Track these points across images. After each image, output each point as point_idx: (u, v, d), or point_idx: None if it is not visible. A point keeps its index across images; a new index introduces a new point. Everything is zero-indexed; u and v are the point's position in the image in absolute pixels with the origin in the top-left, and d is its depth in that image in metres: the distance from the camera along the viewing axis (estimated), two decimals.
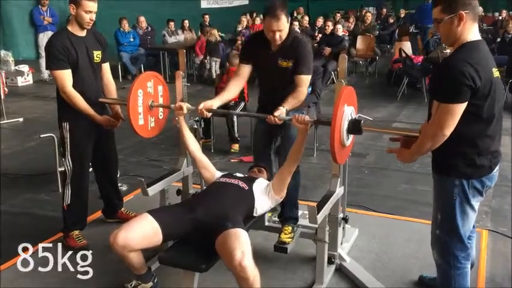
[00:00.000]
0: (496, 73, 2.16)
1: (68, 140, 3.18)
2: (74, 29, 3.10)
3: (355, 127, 2.53)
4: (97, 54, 3.21)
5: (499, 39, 9.35)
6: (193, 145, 3.01)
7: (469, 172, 2.22)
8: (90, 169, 3.48)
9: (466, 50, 2.12)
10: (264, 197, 2.79)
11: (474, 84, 2.04)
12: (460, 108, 2.07)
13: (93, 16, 3.07)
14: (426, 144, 2.19)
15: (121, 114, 3.33)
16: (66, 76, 3.05)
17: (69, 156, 3.21)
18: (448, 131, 2.10)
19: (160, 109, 3.14)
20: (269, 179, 3.04)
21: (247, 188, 2.77)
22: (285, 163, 2.78)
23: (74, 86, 3.08)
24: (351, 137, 2.64)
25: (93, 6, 3.05)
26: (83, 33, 3.13)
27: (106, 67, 3.37)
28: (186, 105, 2.98)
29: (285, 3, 2.83)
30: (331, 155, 2.49)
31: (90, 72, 3.18)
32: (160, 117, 3.17)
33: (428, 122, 2.24)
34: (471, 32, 2.14)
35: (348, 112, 2.51)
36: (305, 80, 2.89)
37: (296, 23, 9.98)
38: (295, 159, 2.75)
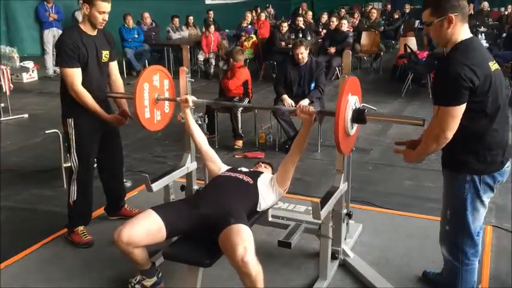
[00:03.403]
0: (493, 66, 2.17)
1: (74, 136, 3.19)
2: (85, 27, 3.10)
3: (359, 116, 2.55)
4: (105, 54, 3.21)
5: (504, 34, 9.29)
6: (200, 137, 3.02)
7: (480, 168, 2.23)
8: (94, 165, 3.49)
9: (460, 50, 2.14)
10: (269, 190, 2.79)
11: (472, 84, 2.05)
12: (460, 109, 2.09)
13: (106, 16, 3.07)
14: (431, 146, 2.22)
15: (128, 112, 3.33)
16: (76, 74, 3.05)
17: (74, 153, 3.22)
18: (450, 133, 2.12)
19: (166, 103, 3.15)
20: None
21: (252, 182, 2.78)
22: (288, 154, 2.79)
23: (81, 84, 3.09)
24: (355, 126, 2.65)
25: (107, 7, 3.05)
26: (94, 33, 3.13)
27: (114, 65, 3.37)
28: (191, 98, 2.99)
29: None
30: (335, 145, 2.48)
31: (97, 71, 3.18)
32: (167, 111, 3.18)
33: (430, 125, 2.25)
34: (462, 31, 2.17)
35: (352, 101, 2.52)
36: None
37: (300, 18, 9.94)
38: (299, 150, 2.76)
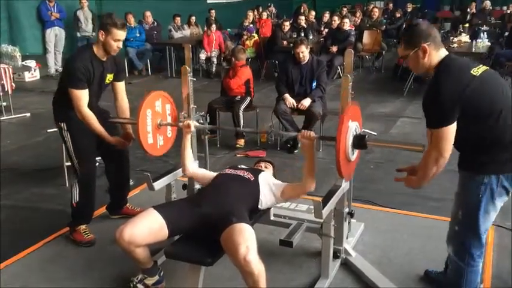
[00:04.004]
0: (479, 70, 2.18)
1: (69, 139, 3.20)
2: (98, 52, 3.10)
3: (360, 142, 2.57)
4: (109, 78, 3.23)
5: (506, 33, 9.27)
6: (190, 163, 3.04)
7: (497, 167, 2.22)
8: (97, 164, 3.49)
9: (442, 67, 2.19)
10: (269, 192, 2.79)
11: (461, 95, 2.08)
12: (451, 129, 2.12)
13: (120, 44, 3.08)
14: (431, 170, 2.23)
15: (132, 135, 3.31)
16: (83, 96, 3.06)
17: (73, 155, 3.22)
18: (448, 153, 2.16)
19: (169, 127, 3.15)
20: (274, 175, 3.04)
21: (253, 178, 2.78)
22: (304, 180, 2.72)
23: None
24: (356, 151, 2.67)
25: (123, 35, 3.06)
26: (105, 58, 3.14)
27: (121, 86, 3.36)
28: (194, 123, 2.99)
29: None
30: (337, 171, 2.50)
31: (96, 92, 3.20)
32: (169, 136, 3.18)
33: (427, 149, 2.27)
34: (438, 56, 2.22)
35: (353, 127, 2.54)
36: None
37: (302, 17, 9.92)
38: (312, 176, 2.70)
